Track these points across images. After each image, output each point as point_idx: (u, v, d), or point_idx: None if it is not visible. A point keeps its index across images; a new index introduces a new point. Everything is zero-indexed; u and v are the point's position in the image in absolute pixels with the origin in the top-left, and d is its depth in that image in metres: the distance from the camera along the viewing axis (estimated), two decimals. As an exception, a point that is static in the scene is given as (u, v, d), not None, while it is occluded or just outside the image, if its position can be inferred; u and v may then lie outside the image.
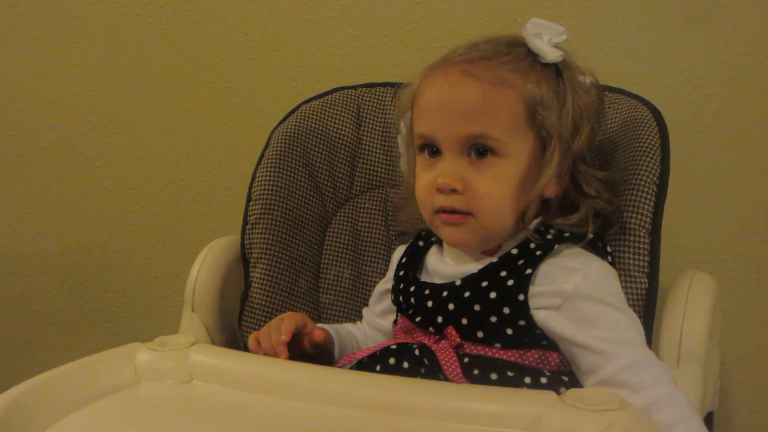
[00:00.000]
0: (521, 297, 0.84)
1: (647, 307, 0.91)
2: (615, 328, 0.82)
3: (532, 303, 0.84)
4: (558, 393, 0.75)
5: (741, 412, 1.33)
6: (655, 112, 1.01)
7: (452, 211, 0.87)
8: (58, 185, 1.53)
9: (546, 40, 0.90)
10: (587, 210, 0.90)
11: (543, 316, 0.84)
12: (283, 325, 0.90)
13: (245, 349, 1.08)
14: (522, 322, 0.84)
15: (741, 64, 1.24)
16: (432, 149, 0.89)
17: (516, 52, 0.89)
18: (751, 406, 1.33)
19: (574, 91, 0.90)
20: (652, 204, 0.94)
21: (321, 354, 0.96)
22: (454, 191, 0.86)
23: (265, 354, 0.90)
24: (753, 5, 1.22)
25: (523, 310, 0.84)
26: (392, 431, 0.72)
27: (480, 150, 0.86)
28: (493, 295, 0.86)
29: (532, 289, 0.85)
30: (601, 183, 0.92)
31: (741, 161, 1.26)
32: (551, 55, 0.89)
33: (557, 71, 0.90)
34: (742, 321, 1.29)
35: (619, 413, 0.68)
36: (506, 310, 0.85)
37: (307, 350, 0.93)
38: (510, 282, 0.86)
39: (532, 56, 0.90)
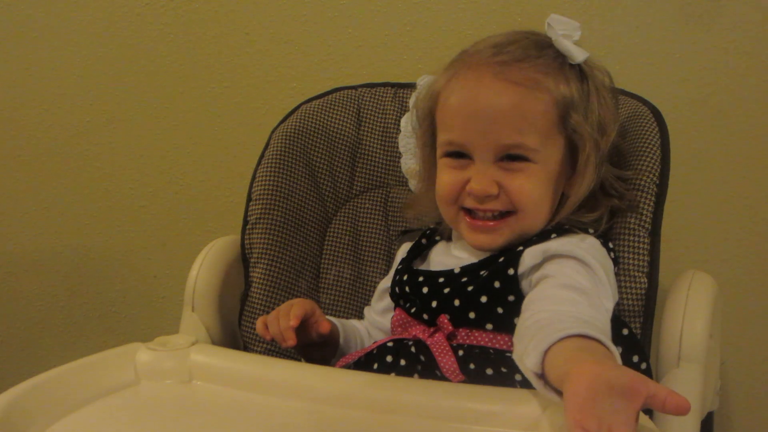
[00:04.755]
0: (510, 271, 0.85)
1: (647, 307, 0.91)
2: (572, 270, 0.82)
3: (520, 271, 0.85)
4: None
5: (741, 412, 1.33)
6: (656, 112, 1.01)
7: (487, 216, 0.88)
8: (58, 185, 1.53)
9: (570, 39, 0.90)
10: (605, 209, 0.92)
11: (527, 282, 0.84)
12: (292, 310, 0.90)
13: (245, 349, 1.08)
14: (511, 298, 0.84)
15: (741, 64, 1.24)
16: (458, 154, 0.89)
17: (546, 54, 0.89)
18: (751, 406, 1.33)
19: (597, 91, 0.91)
20: (652, 204, 0.94)
21: (326, 343, 0.96)
22: (489, 196, 0.86)
23: (273, 338, 0.90)
24: (753, 5, 1.22)
25: (512, 283, 0.84)
26: (392, 431, 0.72)
27: (512, 157, 0.87)
28: (484, 273, 0.86)
29: (521, 261, 0.85)
30: (622, 182, 0.94)
31: (741, 161, 1.26)
32: (580, 56, 0.89)
33: (581, 71, 0.91)
34: (742, 321, 1.29)
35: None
36: (496, 284, 0.85)
37: (313, 338, 0.93)
38: (501, 259, 0.87)
39: (561, 58, 0.90)
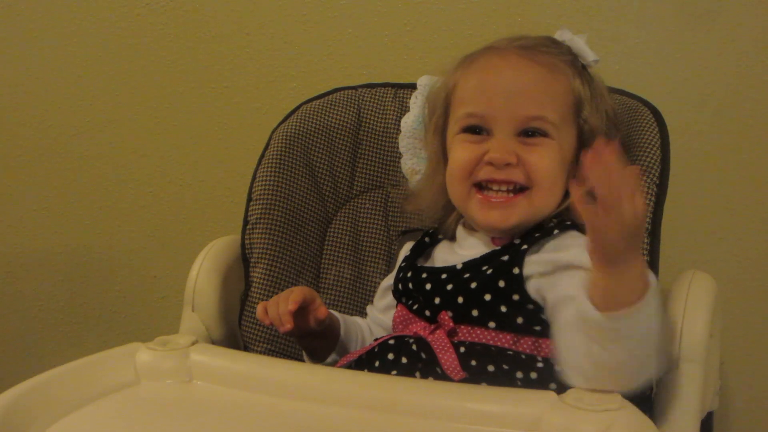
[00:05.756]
0: (516, 270, 0.85)
1: (647, 307, 0.91)
2: None
3: (526, 272, 0.85)
4: (550, 384, 0.76)
5: (741, 412, 1.33)
6: (655, 113, 1.02)
7: (502, 190, 0.89)
8: (58, 185, 1.53)
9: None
10: None
11: (534, 285, 0.85)
12: (292, 296, 0.90)
13: (246, 349, 1.08)
14: (516, 297, 0.85)
15: (741, 64, 1.24)
16: (476, 129, 0.90)
17: (561, 48, 0.93)
18: (751, 406, 1.33)
19: (602, 95, 0.94)
20: (652, 204, 0.95)
21: (326, 333, 0.96)
22: (508, 165, 0.87)
23: (272, 323, 0.90)
24: (753, 5, 1.22)
25: (517, 283, 0.85)
26: (392, 431, 0.72)
27: (530, 132, 0.88)
28: (489, 271, 0.87)
29: (527, 260, 0.86)
30: None
31: (741, 161, 1.26)
32: (591, 56, 0.93)
33: (589, 74, 0.94)
34: (742, 321, 1.29)
35: (620, 413, 0.68)
36: (501, 284, 0.85)
37: (311, 326, 0.93)
38: (505, 257, 0.87)
39: (574, 56, 0.93)
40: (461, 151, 0.91)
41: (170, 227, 1.51)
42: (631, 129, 1.00)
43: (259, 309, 0.92)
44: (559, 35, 0.95)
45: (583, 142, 0.91)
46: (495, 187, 0.89)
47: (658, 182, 0.95)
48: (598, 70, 0.97)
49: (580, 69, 0.93)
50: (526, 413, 0.70)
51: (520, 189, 0.89)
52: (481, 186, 0.90)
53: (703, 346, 0.88)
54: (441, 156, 0.97)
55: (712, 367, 0.93)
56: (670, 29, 1.25)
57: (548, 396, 0.72)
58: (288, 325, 0.88)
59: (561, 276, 0.84)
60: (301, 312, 0.90)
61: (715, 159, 1.27)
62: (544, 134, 0.88)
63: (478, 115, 0.90)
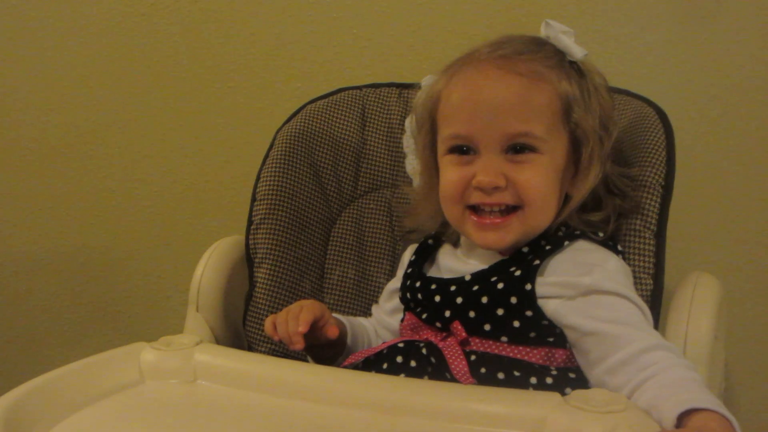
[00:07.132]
0: (528, 287, 0.84)
1: (652, 309, 0.90)
2: (628, 315, 0.82)
3: (541, 292, 0.84)
4: (565, 390, 0.75)
5: (746, 413, 1.33)
6: (661, 113, 1.01)
7: (494, 211, 0.87)
8: (63, 185, 1.54)
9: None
10: (612, 209, 0.91)
11: (554, 306, 0.84)
12: (302, 315, 0.89)
13: (250, 348, 1.08)
14: (529, 313, 0.84)
15: (745, 65, 1.23)
16: (463, 148, 0.88)
17: (545, 49, 0.89)
18: (755, 407, 1.33)
19: (596, 90, 0.91)
20: (657, 205, 0.94)
21: (334, 344, 0.96)
22: (497, 189, 0.85)
23: (281, 340, 0.90)
24: (757, 6, 1.21)
25: (529, 299, 0.84)
26: (396, 432, 0.72)
27: (518, 148, 0.86)
28: (500, 285, 0.86)
29: (541, 280, 0.85)
30: (627, 180, 0.93)
31: (746, 163, 1.26)
32: (579, 53, 0.90)
33: (579, 70, 0.91)
34: (747, 322, 1.29)
35: (624, 414, 0.68)
36: (513, 300, 0.84)
37: (320, 340, 0.93)
38: (517, 273, 0.86)
39: (560, 55, 0.90)
40: (450, 175, 0.89)
41: (175, 227, 1.51)
42: (636, 130, 1.00)
43: (268, 324, 0.91)
44: (543, 30, 0.91)
45: (576, 144, 0.89)
46: (487, 209, 0.87)
47: (663, 183, 0.95)
48: (602, 68, 0.95)
49: (567, 68, 0.89)
50: (531, 414, 0.70)
51: (513, 208, 0.87)
52: (474, 208, 0.88)
53: (708, 348, 0.88)
54: (434, 173, 0.95)
55: (717, 369, 0.93)
56: (676, 30, 1.25)
57: (552, 397, 0.72)
58: (299, 346, 0.87)
59: (585, 303, 0.83)
60: (311, 328, 0.89)
61: (721, 160, 1.27)
62: (532, 149, 0.86)
63: (462, 136, 0.88)
